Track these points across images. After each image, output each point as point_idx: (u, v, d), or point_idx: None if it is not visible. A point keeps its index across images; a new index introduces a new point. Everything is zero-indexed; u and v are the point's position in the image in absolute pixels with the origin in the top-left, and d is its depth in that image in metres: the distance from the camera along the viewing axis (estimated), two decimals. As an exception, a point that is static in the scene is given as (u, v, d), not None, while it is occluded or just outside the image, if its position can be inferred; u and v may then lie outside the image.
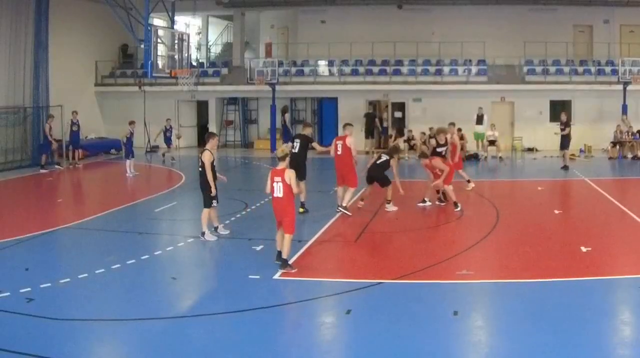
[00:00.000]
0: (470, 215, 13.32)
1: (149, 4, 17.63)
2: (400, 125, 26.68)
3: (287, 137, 25.92)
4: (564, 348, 6.41)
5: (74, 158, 22.58)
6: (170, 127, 24.08)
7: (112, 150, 26.37)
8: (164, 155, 23.72)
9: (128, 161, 19.77)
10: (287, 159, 9.34)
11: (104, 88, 28.55)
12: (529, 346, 6.51)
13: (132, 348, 6.77)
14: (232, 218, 12.70)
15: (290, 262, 9.30)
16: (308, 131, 13.99)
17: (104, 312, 7.70)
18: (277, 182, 9.20)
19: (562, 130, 20.38)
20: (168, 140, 23.74)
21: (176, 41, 18.35)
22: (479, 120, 24.14)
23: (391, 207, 13.71)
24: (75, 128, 22.37)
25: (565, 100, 25.91)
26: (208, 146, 11.15)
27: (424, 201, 14.24)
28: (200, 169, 11.15)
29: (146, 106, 26.42)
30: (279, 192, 9.20)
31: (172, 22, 19.71)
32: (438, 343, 6.73)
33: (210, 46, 32.97)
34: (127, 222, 13.00)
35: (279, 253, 9.34)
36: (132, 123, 20.48)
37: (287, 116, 26.22)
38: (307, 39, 28.28)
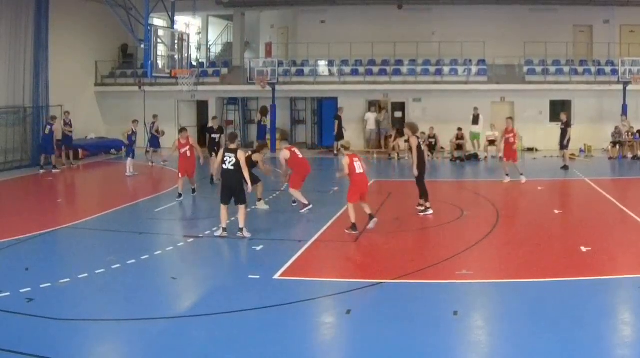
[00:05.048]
0: (470, 215, 13.32)
1: (149, 4, 17.61)
2: (400, 125, 26.65)
3: (262, 136, 25.96)
4: (564, 348, 6.41)
5: (68, 158, 22.50)
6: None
7: (112, 150, 26.36)
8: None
9: (129, 160, 19.75)
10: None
11: (104, 88, 28.51)
12: (529, 346, 6.52)
13: (132, 348, 6.78)
14: (232, 218, 12.67)
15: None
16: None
17: (104, 312, 7.70)
18: (356, 161, 11.71)
19: (563, 130, 20.36)
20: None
21: (176, 41, 18.34)
22: (475, 120, 24.20)
23: (262, 206, 13.97)
24: (67, 128, 22.22)
25: (565, 100, 25.88)
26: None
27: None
28: (232, 168, 11.32)
29: (146, 106, 26.40)
30: (360, 169, 11.71)
31: (172, 22, 19.69)
32: (438, 343, 6.73)
33: (210, 46, 32.95)
34: (127, 222, 13.01)
35: (371, 215, 11.76)
36: (135, 121, 20.41)
37: (261, 117, 26.16)
38: (307, 39, 28.23)
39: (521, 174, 17.51)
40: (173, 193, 15.74)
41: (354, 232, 11.45)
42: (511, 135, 17.69)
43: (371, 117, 26.08)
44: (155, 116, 23.76)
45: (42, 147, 21.30)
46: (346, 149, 12.27)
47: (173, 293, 8.67)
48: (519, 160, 23.40)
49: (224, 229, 11.43)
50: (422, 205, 13.46)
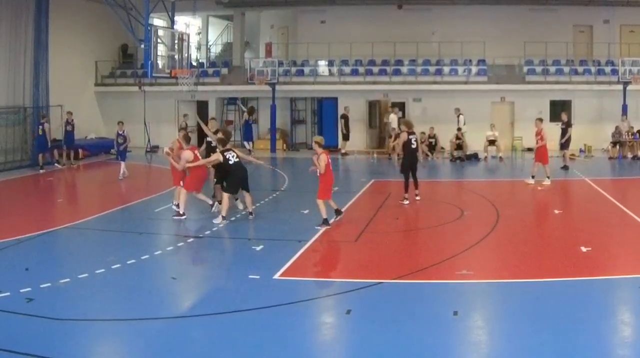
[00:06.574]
0: (470, 215, 13.32)
1: (149, 4, 17.62)
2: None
3: (249, 135, 25.97)
4: (564, 348, 6.41)
5: (69, 158, 22.52)
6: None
7: (112, 150, 26.31)
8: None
9: (122, 163, 19.63)
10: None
11: (104, 88, 28.51)
12: (529, 346, 6.52)
13: (132, 348, 6.78)
14: (232, 218, 12.70)
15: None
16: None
17: (104, 312, 7.70)
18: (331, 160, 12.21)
19: (564, 130, 20.38)
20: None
21: (176, 41, 18.35)
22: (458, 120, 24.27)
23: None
24: (69, 128, 22.28)
25: (565, 100, 25.87)
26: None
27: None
28: (239, 160, 12.56)
29: (146, 106, 26.43)
30: (330, 166, 12.17)
31: (172, 22, 19.70)
32: (438, 343, 6.73)
33: (210, 46, 32.95)
34: (127, 222, 13.01)
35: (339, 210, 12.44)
36: (119, 123, 20.08)
37: (249, 116, 26.39)
38: (307, 39, 28.23)
39: (547, 177, 17.18)
40: (172, 193, 15.69)
41: (326, 227, 11.89)
42: (538, 137, 17.38)
43: (394, 118, 25.57)
44: (185, 115, 24.13)
45: (38, 148, 21.34)
46: (320, 146, 12.12)
47: (173, 293, 8.67)
48: (519, 160, 23.51)
49: (224, 217, 12.21)
50: (406, 199, 14.37)
